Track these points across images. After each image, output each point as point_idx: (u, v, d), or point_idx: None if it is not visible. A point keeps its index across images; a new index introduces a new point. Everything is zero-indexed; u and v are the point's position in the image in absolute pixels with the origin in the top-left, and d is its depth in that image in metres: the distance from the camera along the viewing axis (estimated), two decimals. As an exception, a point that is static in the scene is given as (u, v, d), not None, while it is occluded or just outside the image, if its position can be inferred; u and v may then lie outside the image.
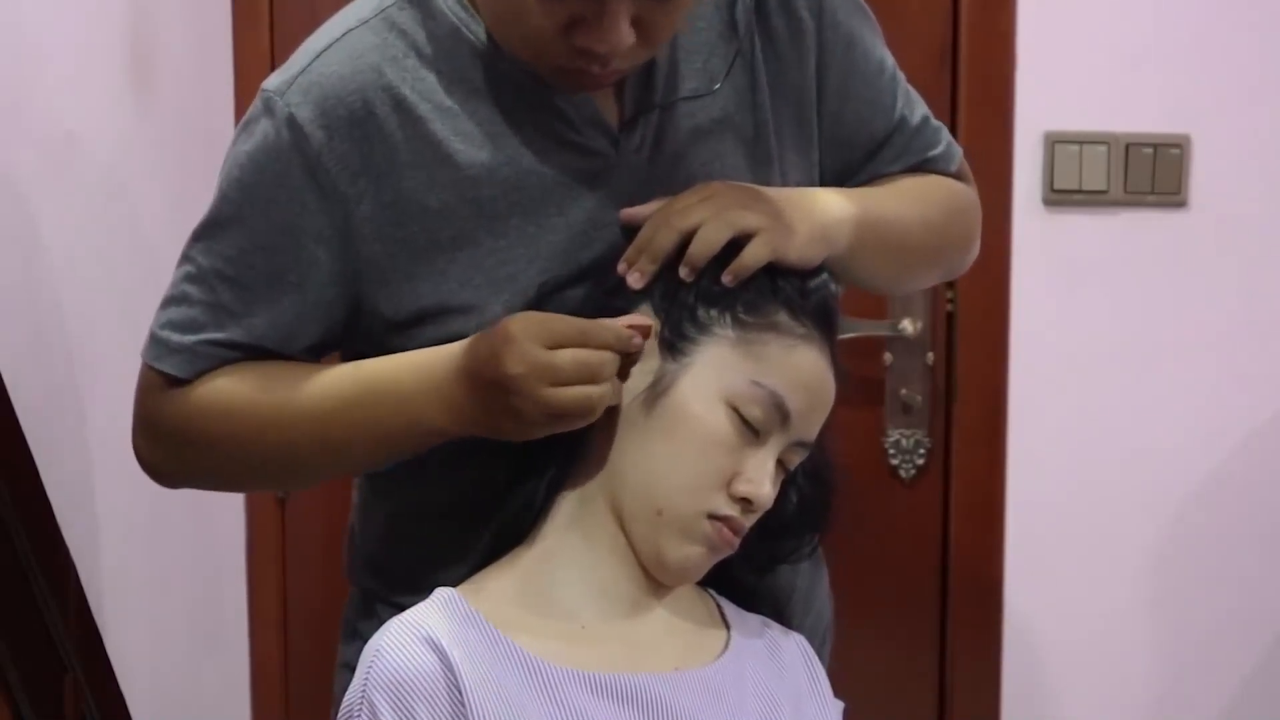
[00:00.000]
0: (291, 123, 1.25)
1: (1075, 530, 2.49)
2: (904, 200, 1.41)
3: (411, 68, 1.27)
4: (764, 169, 1.35)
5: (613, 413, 1.21)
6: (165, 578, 2.30)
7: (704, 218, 1.22)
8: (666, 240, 1.22)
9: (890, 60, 1.44)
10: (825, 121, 1.39)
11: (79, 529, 1.92)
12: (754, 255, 1.22)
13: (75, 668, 1.85)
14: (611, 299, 1.23)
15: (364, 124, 1.25)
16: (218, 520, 2.50)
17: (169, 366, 1.30)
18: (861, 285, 1.40)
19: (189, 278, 1.29)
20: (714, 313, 1.21)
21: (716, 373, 1.19)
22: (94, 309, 2.06)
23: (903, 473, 2.53)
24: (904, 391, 2.52)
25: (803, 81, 1.37)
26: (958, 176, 1.48)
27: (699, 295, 1.21)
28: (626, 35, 1.18)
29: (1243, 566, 2.49)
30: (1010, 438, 2.48)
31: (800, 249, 1.25)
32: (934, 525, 2.54)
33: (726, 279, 1.21)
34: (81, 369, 2.02)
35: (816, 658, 1.34)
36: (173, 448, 1.33)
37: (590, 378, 1.16)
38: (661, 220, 1.23)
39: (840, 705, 1.33)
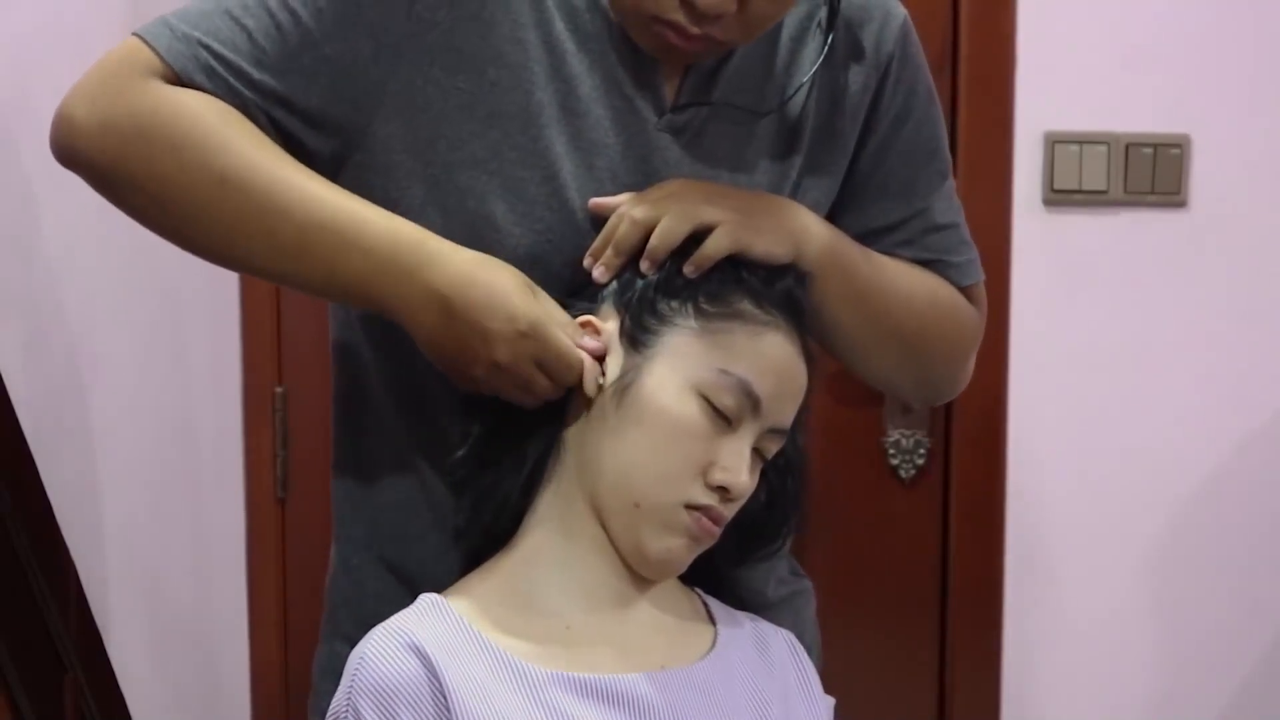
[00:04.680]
0: None
1: (1075, 530, 2.49)
2: (892, 269, 1.38)
3: None
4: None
5: (585, 409, 1.21)
6: (165, 578, 2.30)
7: (665, 211, 1.22)
8: (630, 234, 1.22)
9: (943, 162, 1.43)
10: (854, 178, 1.39)
11: (79, 529, 1.92)
12: (715, 246, 1.21)
13: (75, 668, 1.86)
14: (576, 294, 1.23)
15: None
16: (216, 520, 2.50)
17: (164, 46, 1.21)
18: (826, 340, 1.35)
19: None
20: (675, 304, 1.21)
21: (682, 363, 1.19)
22: (94, 309, 2.06)
23: (902, 473, 2.53)
24: (904, 391, 2.51)
25: (850, 129, 1.37)
26: (970, 299, 1.45)
27: (659, 288, 1.21)
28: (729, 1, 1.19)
29: (1242, 567, 2.49)
30: (1010, 438, 2.48)
31: (765, 244, 1.24)
32: (934, 525, 2.54)
33: (688, 270, 1.21)
34: (81, 369, 2.02)
35: (805, 653, 1.33)
36: (126, 131, 1.20)
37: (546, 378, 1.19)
38: (625, 214, 1.23)
39: (830, 701, 1.32)
